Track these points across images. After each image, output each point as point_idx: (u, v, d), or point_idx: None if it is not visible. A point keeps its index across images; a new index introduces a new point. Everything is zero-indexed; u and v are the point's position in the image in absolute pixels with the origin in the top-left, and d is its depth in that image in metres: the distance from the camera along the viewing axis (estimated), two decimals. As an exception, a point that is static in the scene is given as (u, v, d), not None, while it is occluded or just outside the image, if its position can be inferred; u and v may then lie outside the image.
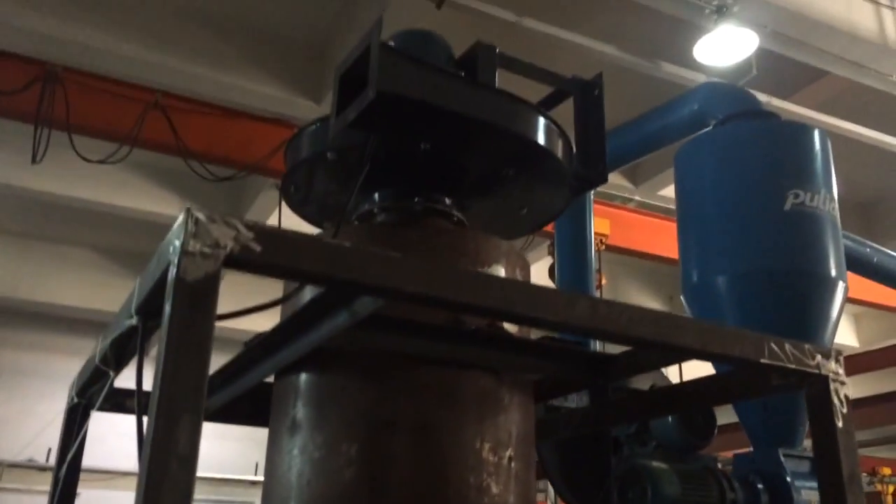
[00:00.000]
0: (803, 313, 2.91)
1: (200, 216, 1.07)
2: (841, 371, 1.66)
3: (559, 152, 1.92)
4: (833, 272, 2.93)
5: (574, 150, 2.10)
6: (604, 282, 7.21)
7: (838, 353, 1.67)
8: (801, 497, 2.69)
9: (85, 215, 9.34)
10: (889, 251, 3.92)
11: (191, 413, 0.94)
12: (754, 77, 6.31)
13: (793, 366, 1.60)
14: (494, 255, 1.78)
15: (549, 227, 6.89)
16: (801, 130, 3.15)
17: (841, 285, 2.96)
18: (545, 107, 2.34)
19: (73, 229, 10.23)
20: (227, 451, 11.44)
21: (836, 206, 3.08)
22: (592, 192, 4.11)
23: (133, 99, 5.34)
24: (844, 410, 1.63)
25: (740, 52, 5.87)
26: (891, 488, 14.80)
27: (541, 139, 1.86)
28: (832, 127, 7.09)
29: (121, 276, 10.65)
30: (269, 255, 1.12)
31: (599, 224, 7.01)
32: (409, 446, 1.54)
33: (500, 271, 1.78)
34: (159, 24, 6.36)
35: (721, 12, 5.63)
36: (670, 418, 2.86)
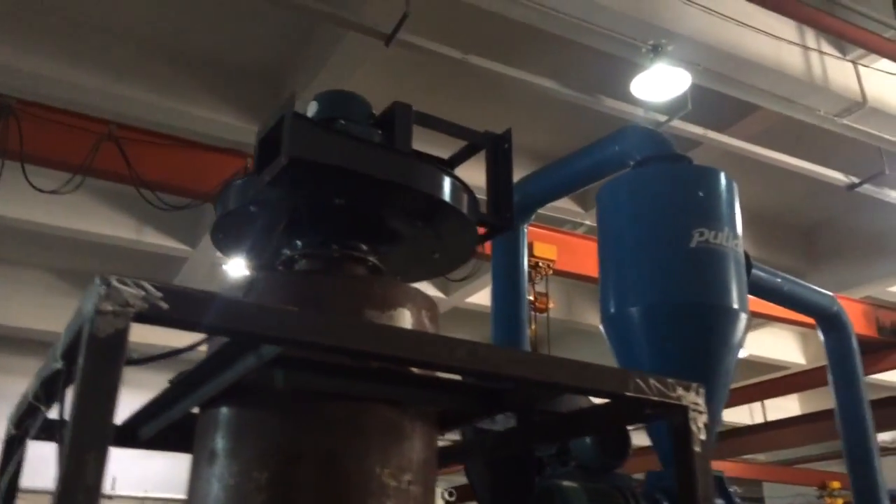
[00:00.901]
0: (708, 342, 3.15)
1: (113, 280, 1.26)
2: (700, 402, 1.88)
3: (463, 206, 2.14)
4: (735, 304, 3.18)
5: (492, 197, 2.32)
6: (552, 305, 7.46)
7: (698, 385, 1.90)
8: (703, 513, 2.91)
9: (40, 238, 9.37)
10: (798, 281, 4.21)
11: (97, 451, 1.12)
12: (693, 110, 6.65)
13: (655, 398, 1.82)
14: (401, 299, 1.98)
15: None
16: (708, 173, 3.41)
17: (743, 316, 3.21)
18: (461, 158, 2.57)
19: (28, 251, 10.23)
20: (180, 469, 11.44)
21: (740, 242, 3.33)
22: (529, 220, 4.34)
23: (87, 130, 5.46)
24: (702, 437, 1.85)
25: (675, 89, 6.19)
26: (839, 502, 15.23)
27: (445, 196, 2.07)
28: (767, 158, 7.46)
29: (75, 298, 10.64)
30: (176, 312, 1.31)
31: (546, 250, 7.27)
32: (315, 474, 1.73)
33: (406, 315, 1.98)
34: (115, 55, 6.51)
35: (656, 51, 5.95)
36: (588, 440, 3.08)
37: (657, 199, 3.31)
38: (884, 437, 16.56)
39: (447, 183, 2.11)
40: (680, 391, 1.86)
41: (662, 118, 6.68)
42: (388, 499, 1.78)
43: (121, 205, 8.79)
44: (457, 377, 2.01)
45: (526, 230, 4.27)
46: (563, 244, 7.60)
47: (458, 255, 2.35)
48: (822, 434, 12.73)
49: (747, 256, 3.79)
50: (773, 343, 12.13)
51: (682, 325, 3.15)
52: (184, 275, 10.16)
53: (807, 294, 4.21)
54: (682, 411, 1.85)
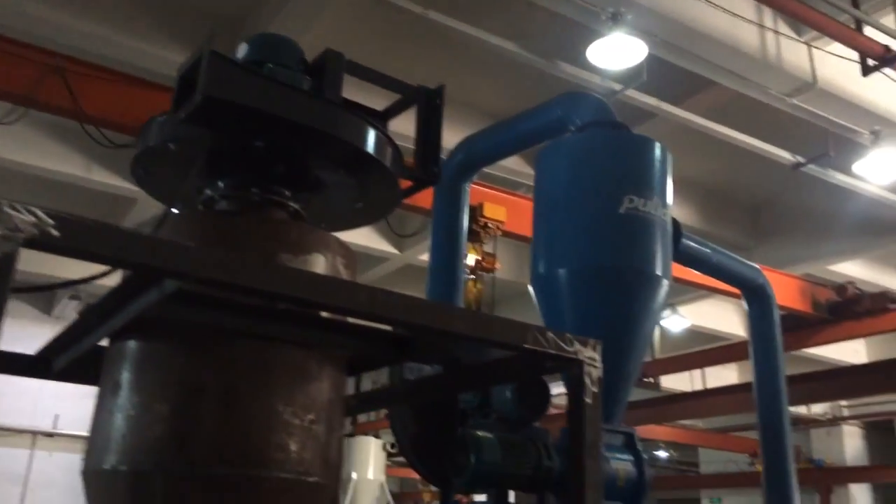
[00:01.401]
0: (630, 305, 3.26)
1: (4, 205, 1.27)
2: (596, 356, 1.97)
3: (386, 159, 2.17)
4: (658, 271, 3.29)
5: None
6: (497, 266, 7.56)
7: (595, 342, 1.98)
8: (610, 466, 3.05)
9: (-14, 170, 9.13)
10: (726, 252, 4.34)
11: (-23, 369, 1.15)
12: (649, 81, 6.71)
13: (552, 351, 1.90)
14: (315, 245, 2.02)
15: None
16: (643, 143, 3.48)
17: (664, 282, 3.31)
18: (395, 111, 2.60)
19: (-26, 184, 9.96)
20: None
21: (668, 212, 3.42)
22: (472, 179, 4.38)
23: (32, 60, 5.32)
24: (594, 390, 1.94)
25: (631, 58, 6.23)
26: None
27: (368, 147, 2.10)
28: (718, 133, 7.58)
29: (23, 235, 10.44)
30: (67, 240, 1.33)
31: (496, 211, 7.35)
32: (215, 408, 1.78)
33: (320, 260, 2.02)
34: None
35: (615, 19, 5.96)
36: (508, 394, 3.18)
37: (591, 163, 3.38)
38: (817, 407, 17.22)
39: (371, 134, 2.13)
40: (577, 346, 1.94)
41: (618, 87, 6.73)
42: (289, 436, 1.84)
43: (70, 140, 8.59)
44: (366, 323, 2.07)
45: (468, 188, 4.32)
46: (514, 206, 7.66)
47: (380, 207, 2.39)
48: (755, 403, 13.22)
49: (677, 226, 3.89)
50: (715, 314, 12.46)
51: (606, 287, 3.25)
52: (134, 215, 10.02)
53: (734, 265, 4.35)
54: (578, 365, 1.94)
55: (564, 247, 3.36)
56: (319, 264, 2.01)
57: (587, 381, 1.92)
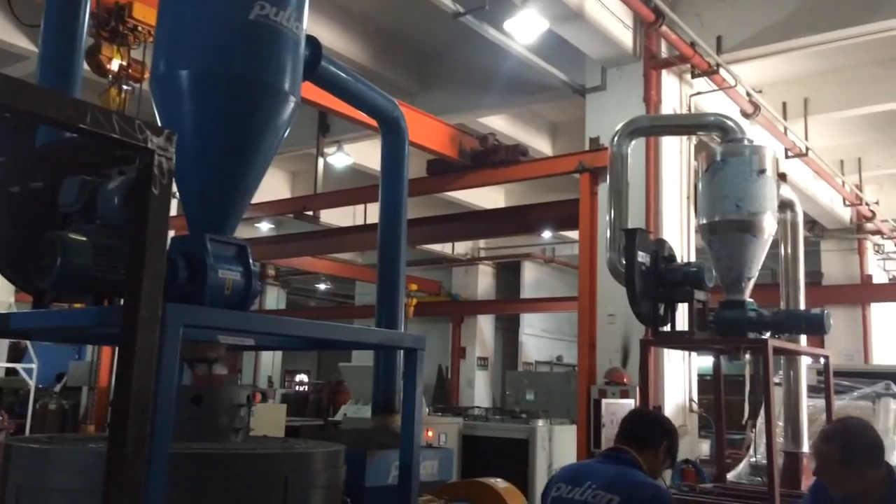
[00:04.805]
0: (252, 117, 3.19)
1: None
2: (170, 147, 1.89)
3: None
4: (286, 86, 3.24)
5: None
6: (146, 75, 6.94)
7: (171, 133, 1.90)
8: (217, 275, 3.07)
9: None
10: (367, 82, 4.44)
11: None
12: None
13: (117, 136, 1.78)
14: None
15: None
16: (284, -51, 3.30)
17: (291, 99, 3.29)
18: None
19: None
20: None
21: (303, 28, 3.35)
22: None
23: None
24: (164, 181, 1.88)
25: None
26: (414, 301, 17.48)
27: None
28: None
29: None
30: None
31: (147, 13, 6.66)
32: None
33: None
34: None
35: None
36: (116, 200, 2.98)
37: (224, -41, 3.14)
38: (459, 248, 19.35)
39: None
40: (147, 134, 1.84)
41: None
42: None
43: None
44: None
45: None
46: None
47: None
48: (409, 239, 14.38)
49: (317, 46, 3.85)
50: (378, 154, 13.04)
51: (228, 95, 3.12)
52: None
53: (371, 96, 4.46)
54: (149, 154, 1.85)
55: (188, 47, 3.14)
56: None
57: (156, 171, 1.84)
